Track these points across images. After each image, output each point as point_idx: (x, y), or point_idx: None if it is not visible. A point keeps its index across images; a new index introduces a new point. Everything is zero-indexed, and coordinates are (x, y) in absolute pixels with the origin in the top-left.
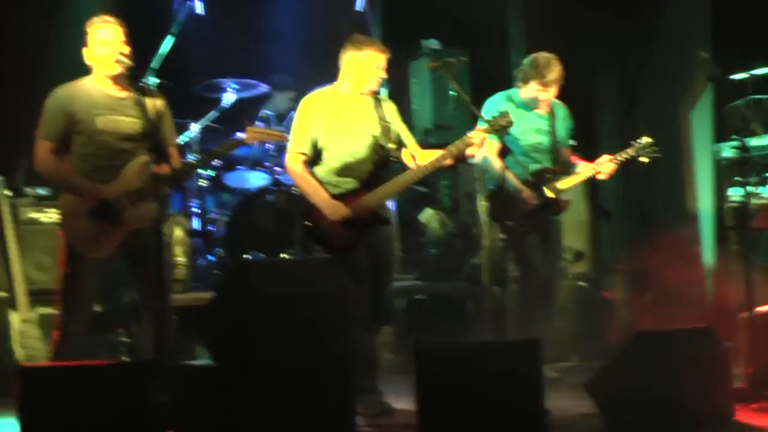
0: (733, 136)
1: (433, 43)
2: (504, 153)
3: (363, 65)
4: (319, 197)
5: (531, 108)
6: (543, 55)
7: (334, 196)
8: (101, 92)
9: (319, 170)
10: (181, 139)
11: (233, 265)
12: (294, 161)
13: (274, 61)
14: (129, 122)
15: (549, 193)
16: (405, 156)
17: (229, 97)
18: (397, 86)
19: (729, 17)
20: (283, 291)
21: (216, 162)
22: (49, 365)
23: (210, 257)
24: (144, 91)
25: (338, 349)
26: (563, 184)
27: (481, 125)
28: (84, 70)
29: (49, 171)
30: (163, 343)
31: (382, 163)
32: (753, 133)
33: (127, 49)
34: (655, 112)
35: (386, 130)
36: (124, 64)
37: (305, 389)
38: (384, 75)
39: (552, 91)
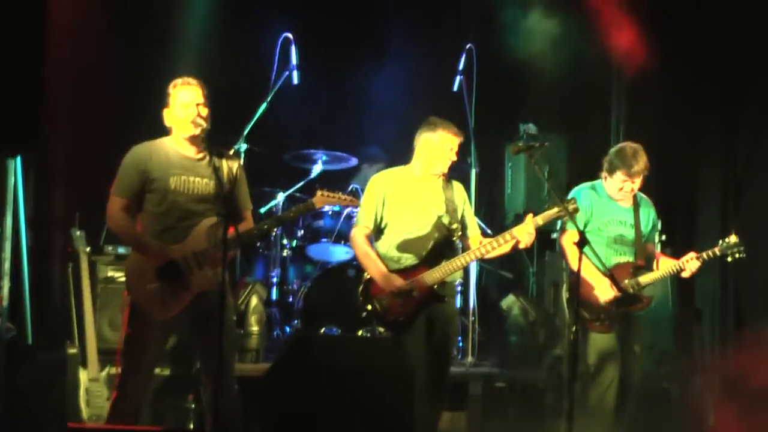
0: None
1: (531, 128)
2: (583, 243)
3: (435, 147)
4: (376, 270)
5: (615, 199)
6: (630, 145)
7: (393, 271)
8: (177, 153)
9: (381, 245)
10: (267, 206)
11: (293, 338)
12: (358, 234)
13: (366, 134)
14: (202, 183)
15: (628, 288)
16: (471, 240)
17: (317, 169)
18: (492, 169)
19: None
20: (342, 366)
21: (301, 232)
22: (94, 426)
23: (287, 329)
24: (221, 154)
25: (396, 428)
26: (645, 279)
27: (532, 217)
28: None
29: (120, 228)
30: (223, 413)
31: (444, 242)
32: None
33: (205, 112)
34: (760, 211)
35: (452, 211)
36: (201, 127)
37: None
38: (455, 158)
39: (637, 183)
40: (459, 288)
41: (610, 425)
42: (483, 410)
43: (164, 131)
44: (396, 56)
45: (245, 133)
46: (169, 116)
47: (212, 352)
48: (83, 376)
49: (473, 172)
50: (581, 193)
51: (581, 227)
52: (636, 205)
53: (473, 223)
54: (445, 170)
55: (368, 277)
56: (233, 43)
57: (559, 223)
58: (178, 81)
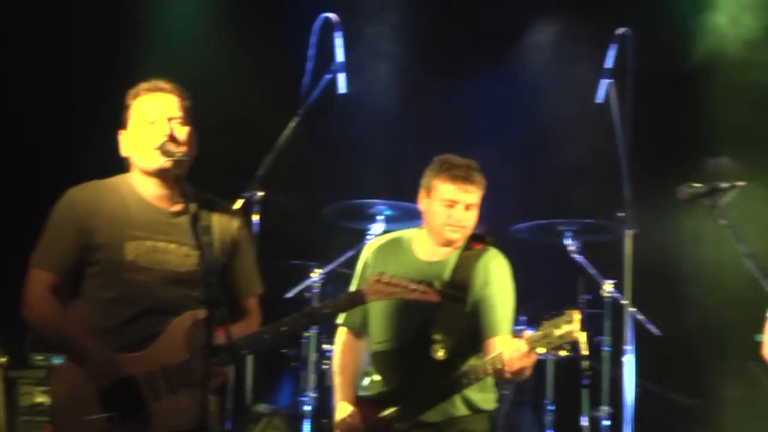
0: None
1: (725, 163)
2: None
3: (438, 206)
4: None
5: None
6: None
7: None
8: (140, 201)
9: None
10: (295, 290)
11: None
12: (340, 339)
13: None
14: (179, 254)
15: None
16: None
17: (378, 230)
18: (658, 230)
19: None
20: None
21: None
22: None
23: None
24: (211, 205)
25: None
26: None
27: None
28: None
29: (42, 319)
30: None
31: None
32: None
33: (183, 132)
34: None
35: (460, 313)
36: (175, 156)
37: None
38: (473, 219)
39: None
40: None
41: None
42: None
43: (119, 166)
44: (496, 59)
45: (260, 173)
46: (127, 141)
47: None
48: None
49: (627, 233)
50: None
51: None
52: None
53: (497, 320)
54: (452, 239)
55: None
56: (242, 33)
57: None
58: (142, 86)
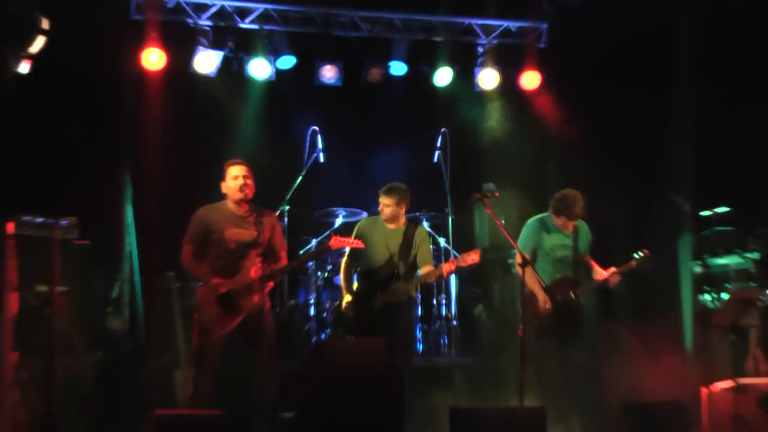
0: (705, 256)
1: (491, 186)
2: (525, 264)
3: (381, 206)
4: (345, 293)
5: (559, 228)
6: (571, 192)
7: (357, 293)
8: (230, 211)
9: (357, 276)
10: (303, 249)
11: (313, 345)
12: (344, 264)
13: (374, 195)
14: (247, 234)
15: (569, 298)
16: (423, 270)
17: (339, 221)
18: (465, 216)
19: (705, 174)
20: (349, 364)
21: (330, 267)
22: (174, 412)
23: (322, 335)
24: (261, 212)
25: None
26: (581, 290)
27: (453, 258)
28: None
29: (190, 268)
30: (268, 401)
31: (393, 274)
32: (716, 255)
33: (249, 182)
34: (653, 236)
35: (406, 250)
36: (245, 193)
37: None
38: (390, 210)
39: (577, 219)
40: (419, 297)
41: (548, 391)
42: (463, 390)
43: (222, 197)
44: (391, 140)
45: (287, 198)
46: (224, 186)
47: (259, 357)
48: (177, 374)
49: (450, 218)
50: (532, 224)
51: (530, 251)
52: (575, 232)
53: (425, 258)
54: (394, 218)
55: (338, 302)
56: (275, 135)
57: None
58: (229, 161)
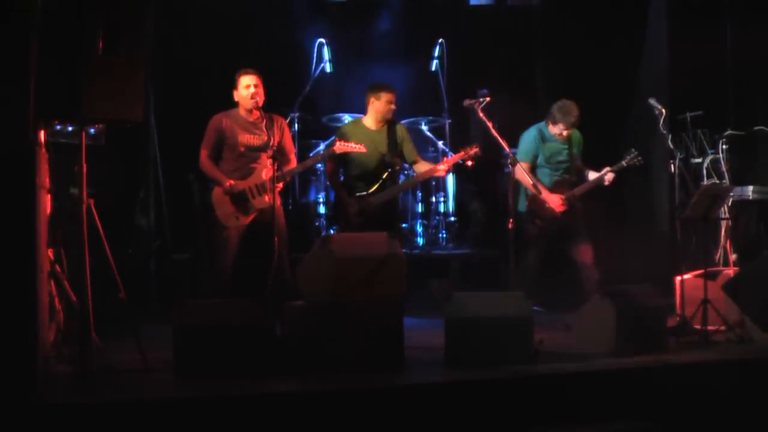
0: (679, 156)
1: (483, 92)
2: (534, 168)
3: (379, 105)
4: (342, 195)
5: (556, 136)
6: (568, 102)
7: (351, 195)
8: (243, 118)
9: (345, 176)
10: (313, 152)
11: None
12: (329, 168)
13: None
14: (259, 139)
15: (570, 197)
16: (415, 164)
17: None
18: (461, 120)
19: (679, 77)
20: (354, 252)
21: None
22: (194, 300)
23: (331, 230)
24: (271, 118)
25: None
26: (579, 189)
27: (449, 157)
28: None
29: (207, 170)
30: (281, 286)
31: (386, 173)
32: (691, 156)
33: (260, 91)
34: (634, 139)
35: (393, 149)
36: (256, 100)
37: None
38: (394, 108)
39: (574, 127)
40: (419, 195)
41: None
42: (460, 278)
43: (234, 104)
44: (393, 51)
45: (297, 105)
46: (236, 94)
47: (271, 249)
48: (199, 266)
49: (446, 122)
50: (530, 135)
51: (531, 159)
52: (569, 139)
53: (411, 153)
54: (388, 118)
55: (334, 201)
56: (287, 47)
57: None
58: (241, 70)
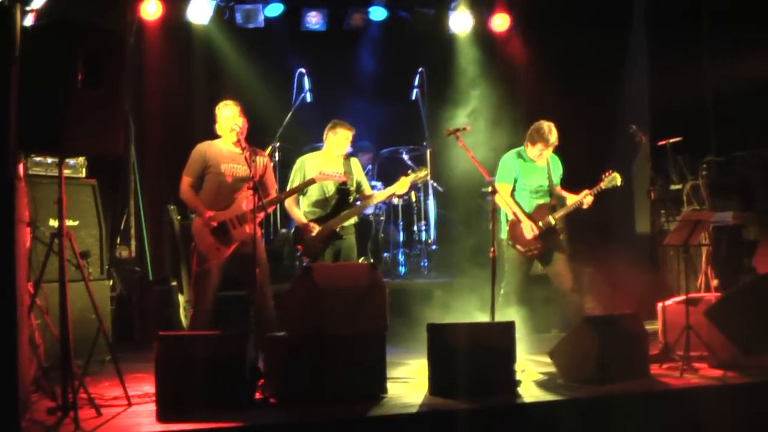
0: (660, 182)
1: (464, 121)
2: (514, 192)
3: (336, 139)
4: (300, 221)
5: (534, 160)
6: (546, 124)
7: (310, 220)
8: (225, 148)
9: (304, 202)
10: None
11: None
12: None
13: (358, 132)
14: (241, 169)
15: (551, 221)
16: (365, 195)
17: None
18: (442, 146)
19: (659, 106)
20: (336, 284)
21: None
22: (176, 333)
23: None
24: (255, 152)
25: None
26: (558, 214)
27: (405, 179)
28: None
29: (187, 199)
30: (263, 320)
31: (342, 200)
32: (672, 182)
33: (240, 121)
34: (615, 163)
35: (349, 180)
36: (236, 131)
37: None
38: (349, 144)
39: (551, 149)
40: (401, 224)
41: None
42: (443, 305)
43: (217, 137)
44: (373, 80)
45: (278, 135)
46: (217, 127)
47: (253, 281)
48: (181, 299)
49: (427, 151)
50: (510, 158)
51: (511, 182)
52: (548, 163)
53: (365, 185)
54: (344, 153)
55: (296, 226)
56: (266, 77)
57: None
58: (220, 103)
